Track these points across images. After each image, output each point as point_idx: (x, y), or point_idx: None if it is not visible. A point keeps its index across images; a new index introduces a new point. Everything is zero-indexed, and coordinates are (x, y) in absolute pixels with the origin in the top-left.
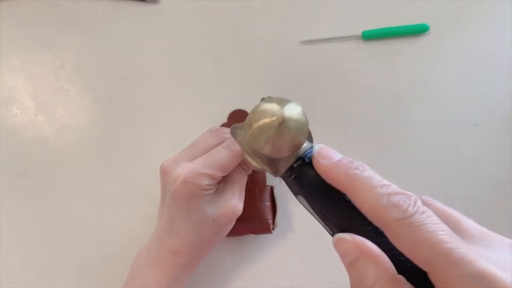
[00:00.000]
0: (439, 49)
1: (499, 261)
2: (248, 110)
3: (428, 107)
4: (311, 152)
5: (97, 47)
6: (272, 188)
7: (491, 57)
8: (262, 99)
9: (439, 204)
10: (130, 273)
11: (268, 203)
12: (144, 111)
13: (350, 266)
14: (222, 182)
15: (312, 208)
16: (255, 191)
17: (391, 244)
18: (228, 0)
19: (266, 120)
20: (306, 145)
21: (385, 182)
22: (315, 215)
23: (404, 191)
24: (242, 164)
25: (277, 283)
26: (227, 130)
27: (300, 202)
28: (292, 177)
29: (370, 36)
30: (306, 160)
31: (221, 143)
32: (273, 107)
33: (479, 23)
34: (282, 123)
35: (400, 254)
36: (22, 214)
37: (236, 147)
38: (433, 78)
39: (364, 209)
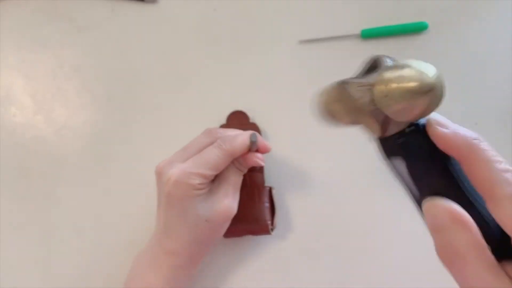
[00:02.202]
0: (438, 47)
1: None
2: (248, 110)
3: None
4: (423, 119)
5: (96, 46)
6: (270, 189)
7: (490, 55)
8: (378, 57)
9: None
10: (129, 275)
11: (267, 204)
12: (143, 111)
13: (439, 230)
14: (216, 182)
15: (410, 172)
16: (254, 192)
17: (483, 217)
18: (227, 0)
19: (412, 85)
20: None
21: (500, 157)
22: (408, 178)
23: None
24: (236, 162)
25: (276, 283)
26: (221, 130)
27: (390, 163)
28: (399, 141)
29: (369, 35)
30: (420, 126)
31: (213, 142)
32: (424, 72)
33: (477, 21)
34: (429, 93)
35: (491, 228)
36: (22, 213)
37: (228, 146)
38: None
39: (478, 179)
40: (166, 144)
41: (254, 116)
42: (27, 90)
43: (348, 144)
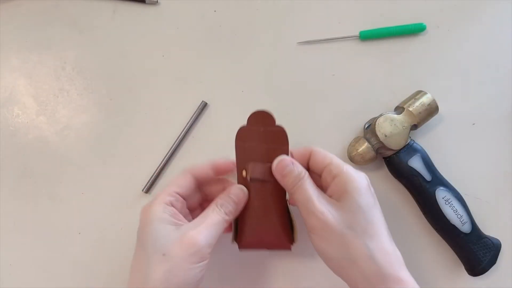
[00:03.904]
0: (436, 48)
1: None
2: (246, 112)
3: None
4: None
5: (98, 47)
6: (287, 202)
7: (488, 55)
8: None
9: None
10: None
11: (287, 218)
12: (144, 111)
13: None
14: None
15: (391, 171)
16: (271, 205)
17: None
18: (228, 1)
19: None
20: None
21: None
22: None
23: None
24: (219, 200)
25: (276, 283)
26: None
27: (389, 169)
28: (389, 159)
29: (367, 36)
30: (400, 151)
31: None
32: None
33: (475, 22)
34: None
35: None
36: (23, 214)
37: (189, 167)
38: (430, 77)
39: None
40: (168, 144)
41: None
42: (30, 91)
43: (347, 143)
